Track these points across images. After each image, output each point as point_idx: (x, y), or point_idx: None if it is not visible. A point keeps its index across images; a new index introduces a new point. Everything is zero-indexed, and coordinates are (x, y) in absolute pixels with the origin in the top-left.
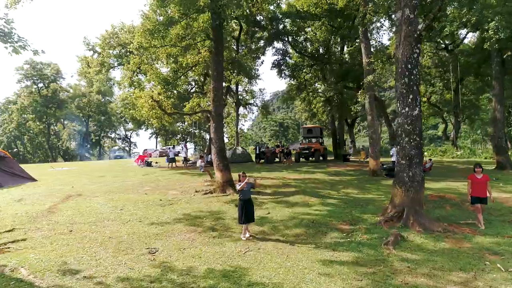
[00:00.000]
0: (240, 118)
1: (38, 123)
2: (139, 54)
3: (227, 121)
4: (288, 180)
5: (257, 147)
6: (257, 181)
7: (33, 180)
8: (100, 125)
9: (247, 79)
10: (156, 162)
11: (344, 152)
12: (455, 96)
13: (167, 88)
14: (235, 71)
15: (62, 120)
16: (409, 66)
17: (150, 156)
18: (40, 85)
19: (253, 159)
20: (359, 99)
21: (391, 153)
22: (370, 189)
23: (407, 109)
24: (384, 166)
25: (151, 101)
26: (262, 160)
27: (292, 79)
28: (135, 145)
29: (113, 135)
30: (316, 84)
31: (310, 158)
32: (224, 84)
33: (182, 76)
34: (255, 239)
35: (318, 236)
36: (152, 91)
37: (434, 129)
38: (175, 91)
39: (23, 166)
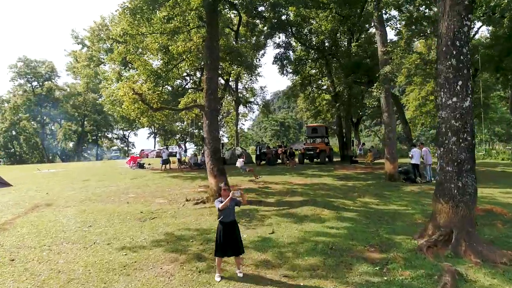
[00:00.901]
0: (240, 117)
1: (32, 122)
2: (124, 43)
3: (226, 120)
4: (293, 185)
5: (258, 148)
6: (244, 197)
7: (7, 185)
8: (96, 124)
9: (247, 74)
10: (149, 164)
11: (353, 153)
12: None
13: (158, 82)
14: (234, 62)
15: (59, 120)
16: (457, 43)
17: (147, 157)
18: (35, 83)
19: (254, 160)
20: (374, 93)
21: (410, 154)
22: (390, 197)
23: (454, 99)
24: (399, 168)
25: (132, 94)
26: (263, 162)
27: (295, 74)
28: (133, 145)
29: (110, 135)
30: (321, 81)
31: (315, 160)
32: (222, 78)
33: (174, 69)
34: (254, 278)
35: (340, 270)
36: (134, 83)
37: (436, 128)
38: (168, 87)
39: (17, 167)
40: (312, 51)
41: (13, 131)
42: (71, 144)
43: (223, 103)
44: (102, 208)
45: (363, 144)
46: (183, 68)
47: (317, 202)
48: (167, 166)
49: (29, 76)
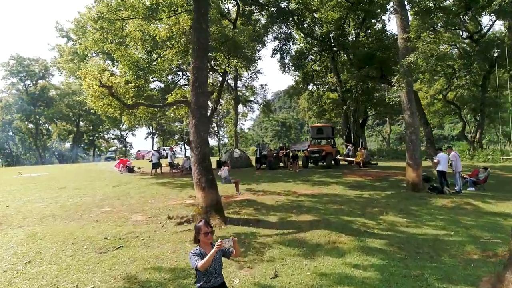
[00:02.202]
0: (240, 117)
1: (26, 122)
2: (100, 30)
3: (225, 120)
4: (298, 196)
5: (258, 150)
6: (237, 248)
7: None
8: (92, 124)
9: (245, 67)
10: (139, 168)
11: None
12: (482, 91)
13: (139, 75)
14: (230, 53)
15: (55, 120)
16: None
17: (143, 158)
18: (28, 82)
19: (253, 163)
20: (395, 87)
21: (435, 160)
22: (420, 215)
23: None
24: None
25: (99, 87)
26: (264, 166)
27: (297, 69)
28: (131, 145)
29: (107, 136)
30: (325, 78)
31: (320, 163)
32: (219, 74)
33: (159, 59)
34: None
35: None
36: (102, 72)
37: (440, 128)
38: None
39: (5, 169)
40: (316, 42)
41: (10, 132)
42: (68, 145)
43: (223, 102)
44: (60, 230)
45: (354, 144)
46: (172, 60)
47: (331, 223)
48: (158, 170)
49: (22, 75)
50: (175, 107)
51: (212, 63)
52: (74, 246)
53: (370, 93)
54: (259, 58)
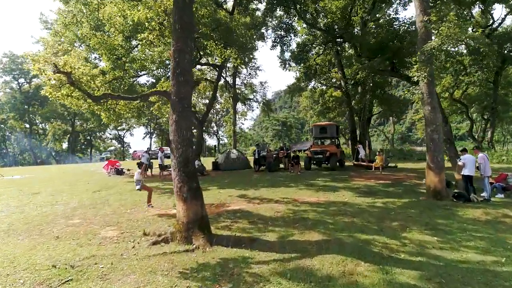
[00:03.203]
0: (239, 116)
1: (20, 122)
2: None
3: (225, 120)
4: (301, 205)
5: (257, 150)
6: None
7: None
8: (88, 124)
9: (241, 58)
10: (128, 170)
11: (361, 160)
12: (494, 88)
13: (117, 64)
14: (222, 41)
15: (51, 119)
16: None
17: (139, 158)
18: (21, 80)
19: (252, 164)
20: (414, 77)
21: (460, 162)
22: (451, 231)
23: None
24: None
25: (54, 73)
26: (263, 167)
27: (298, 63)
28: (129, 145)
29: (104, 136)
30: (329, 74)
31: (323, 164)
32: (214, 68)
33: (140, 46)
34: None
35: None
36: (57, 53)
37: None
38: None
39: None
40: (319, 34)
41: (6, 132)
42: (65, 145)
43: (222, 100)
44: (4, 252)
45: (360, 144)
46: (155, 49)
47: (344, 244)
48: (147, 172)
49: (16, 73)
50: (160, 102)
51: (204, 59)
52: (8, 279)
53: (381, 87)
54: (255, 49)
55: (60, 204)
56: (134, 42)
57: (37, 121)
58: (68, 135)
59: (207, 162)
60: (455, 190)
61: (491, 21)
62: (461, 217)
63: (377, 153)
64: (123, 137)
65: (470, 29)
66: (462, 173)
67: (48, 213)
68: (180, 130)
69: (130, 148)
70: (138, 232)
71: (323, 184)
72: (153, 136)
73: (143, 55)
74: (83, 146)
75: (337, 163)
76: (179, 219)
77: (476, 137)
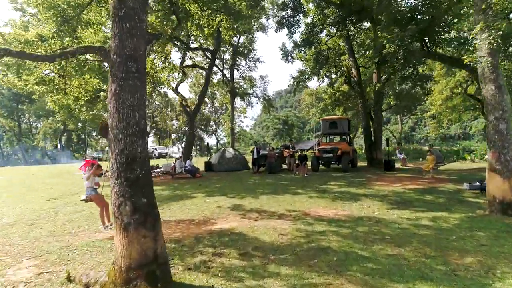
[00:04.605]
0: (238, 114)
1: (8, 120)
2: None
3: (223, 118)
4: (315, 223)
5: (256, 149)
6: None
7: None
8: (80, 122)
9: (233, 30)
10: (107, 171)
11: (388, 158)
12: None
13: (63, 29)
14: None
15: (42, 117)
16: None
17: None
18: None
19: (250, 165)
20: (482, 42)
21: None
22: None
23: None
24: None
25: None
26: (263, 168)
27: (307, 46)
28: None
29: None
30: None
31: (332, 164)
32: (207, 51)
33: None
34: None
35: None
36: None
37: (447, 128)
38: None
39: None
40: (331, 10)
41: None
42: (50, 144)
43: (217, 94)
44: None
45: (399, 144)
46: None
47: None
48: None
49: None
50: None
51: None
52: None
53: (413, 65)
54: (252, 18)
55: None
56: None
57: (30, 120)
58: (60, 134)
59: (200, 162)
60: None
61: None
62: None
63: (427, 153)
64: None
65: None
66: None
67: None
68: (123, 109)
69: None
70: (62, 274)
71: (338, 190)
72: (149, 136)
73: (100, 17)
74: (77, 146)
75: (350, 164)
76: (115, 261)
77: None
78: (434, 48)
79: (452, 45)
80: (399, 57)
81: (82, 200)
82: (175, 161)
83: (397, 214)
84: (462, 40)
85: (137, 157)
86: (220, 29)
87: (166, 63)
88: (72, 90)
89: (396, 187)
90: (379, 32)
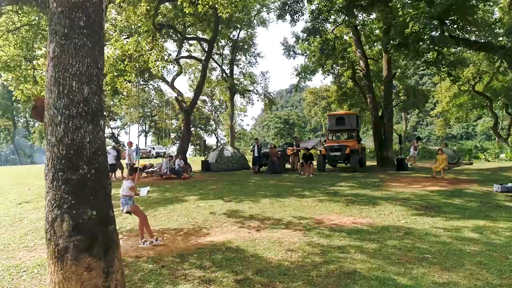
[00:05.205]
0: (238, 112)
1: (3, 118)
2: None
3: (222, 116)
4: (332, 235)
5: (256, 146)
6: None
7: None
8: None
9: (230, 4)
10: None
11: (399, 156)
12: None
13: None
14: None
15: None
16: None
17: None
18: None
19: (250, 164)
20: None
21: None
22: None
23: None
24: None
25: None
26: (264, 168)
27: (312, 35)
28: (123, 145)
29: None
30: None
31: (339, 163)
32: (202, 41)
33: None
34: None
35: None
36: None
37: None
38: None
39: None
40: None
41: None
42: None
43: (217, 91)
44: None
45: (419, 139)
46: None
47: None
48: (115, 174)
49: None
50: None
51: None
52: None
53: (440, 49)
54: None
55: None
56: None
57: (26, 119)
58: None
59: (197, 162)
60: None
61: None
62: None
63: (438, 152)
64: (118, 135)
65: None
66: None
67: None
68: (64, 79)
69: (125, 146)
70: None
71: (351, 192)
72: (148, 135)
73: None
74: None
75: (359, 163)
76: None
77: (504, 135)
78: (457, 33)
79: (481, 28)
80: (425, 38)
81: (127, 212)
82: (163, 160)
83: (429, 223)
84: (491, 21)
85: (84, 149)
86: (217, 6)
87: (153, 45)
88: (44, 77)
89: (416, 188)
90: (399, 10)
